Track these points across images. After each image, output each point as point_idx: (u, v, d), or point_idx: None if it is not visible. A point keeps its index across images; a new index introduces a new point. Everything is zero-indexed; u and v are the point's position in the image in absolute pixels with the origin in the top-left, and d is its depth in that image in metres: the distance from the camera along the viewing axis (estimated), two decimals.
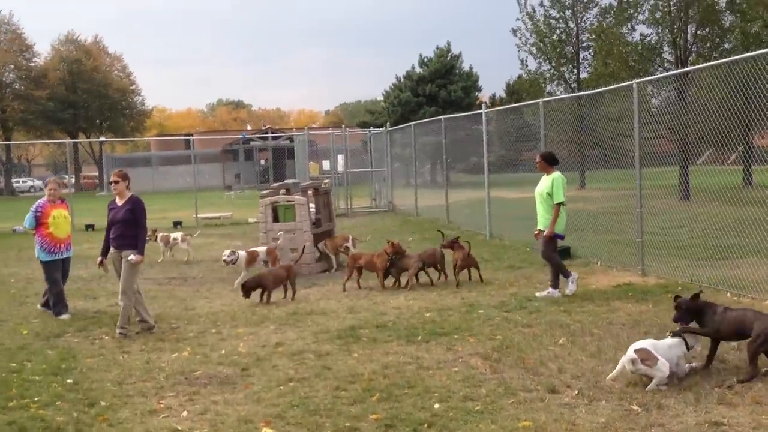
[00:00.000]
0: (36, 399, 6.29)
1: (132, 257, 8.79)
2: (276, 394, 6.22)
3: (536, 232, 10.21)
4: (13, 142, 60.42)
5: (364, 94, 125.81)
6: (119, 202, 9.06)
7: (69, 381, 6.84)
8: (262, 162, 58.67)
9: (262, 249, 12.37)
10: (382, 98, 53.02)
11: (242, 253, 11.92)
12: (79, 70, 65.95)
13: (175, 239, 15.87)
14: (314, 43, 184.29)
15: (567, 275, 9.89)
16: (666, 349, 6.02)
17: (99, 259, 9.35)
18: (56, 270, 10.18)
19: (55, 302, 10.07)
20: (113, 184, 9.10)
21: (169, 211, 28.60)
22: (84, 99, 66.25)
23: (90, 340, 8.54)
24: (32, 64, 66.27)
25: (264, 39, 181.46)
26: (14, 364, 7.49)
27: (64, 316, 9.91)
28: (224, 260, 11.84)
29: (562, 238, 10.09)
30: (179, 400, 6.20)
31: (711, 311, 6.37)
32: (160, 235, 15.85)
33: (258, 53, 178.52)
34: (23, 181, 72.48)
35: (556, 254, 10.06)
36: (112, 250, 9.06)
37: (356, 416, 5.58)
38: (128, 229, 8.90)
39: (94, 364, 7.49)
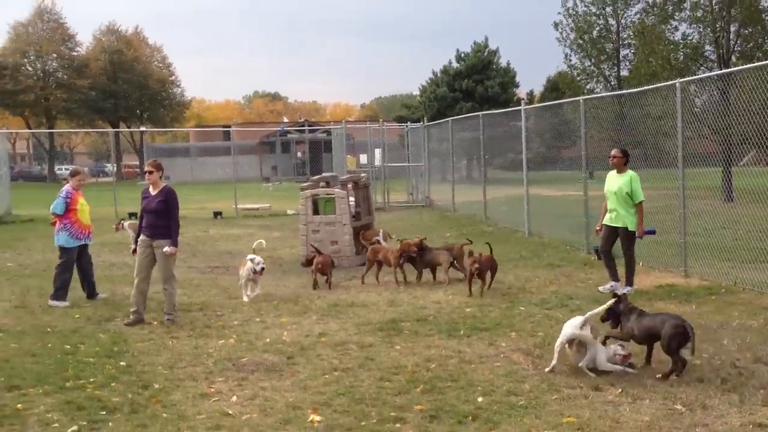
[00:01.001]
0: (91, 380, 6.52)
1: (167, 249, 8.97)
2: (322, 383, 6.37)
3: (598, 227, 10.46)
4: (56, 131, 61.59)
5: (399, 89, 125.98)
6: (153, 191, 9.21)
7: (122, 363, 7.07)
8: (299, 154, 59.07)
9: None
10: (418, 93, 53.05)
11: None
12: (119, 60, 66.96)
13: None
14: (350, 35, 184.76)
15: (615, 278, 10.06)
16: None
17: (132, 247, 9.58)
18: (74, 257, 10.41)
19: (60, 287, 10.21)
20: (148, 174, 9.28)
21: (208, 201, 28.97)
22: (125, 89, 67.23)
23: (139, 326, 8.77)
24: (74, 54, 67.45)
25: (301, 31, 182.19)
26: (68, 347, 7.74)
27: (62, 304, 10.05)
28: (255, 269, 10.20)
29: (653, 233, 10.33)
30: (228, 385, 6.38)
31: (627, 317, 6.72)
32: (127, 223, 16.20)
33: (294, 45, 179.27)
34: (66, 169, 73.80)
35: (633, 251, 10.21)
36: (142, 237, 9.20)
37: (401, 406, 5.70)
38: (160, 219, 9.05)
39: (144, 348, 7.72)
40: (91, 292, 10.58)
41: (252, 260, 10.17)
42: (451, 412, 5.54)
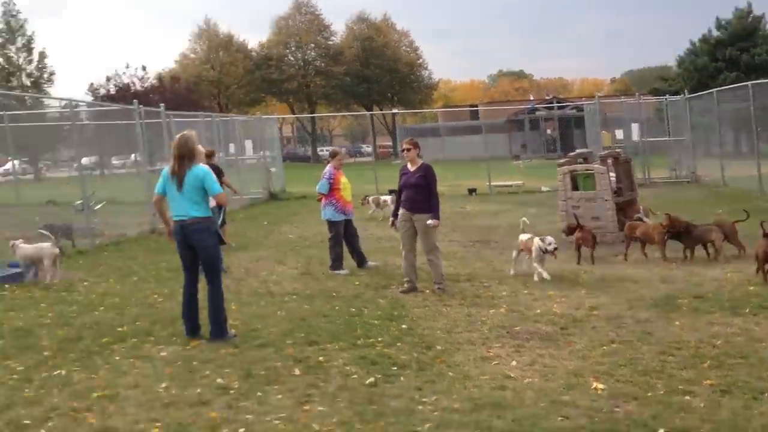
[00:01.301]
0: (379, 339, 7.06)
1: (430, 222, 9.33)
2: (600, 354, 6.37)
3: None
4: (317, 115, 66.23)
5: (651, 61, 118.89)
6: (411, 168, 9.58)
7: (403, 326, 7.56)
8: (549, 132, 58.26)
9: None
10: (674, 64, 49.97)
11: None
12: (370, 47, 70.55)
13: (384, 201, 18.15)
14: (594, 9, 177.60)
15: None
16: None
17: (391, 220, 10.05)
18: (341, 230, 11.16)
19: (335, 258, 11.05)
20: (406, 152, 9.66)
21: (460, 179, 29.57)
22: (376, 74, 70.62)
23: (413, 294, 9.28)
24: (330, 43, 72.25)
25: (545, 7, 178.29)
26: (353, 309, 8.42)
27: (342, 272, 10.84)
28: (545, 248, 9.78)
29: None
30: (506, 351, 6.59)
31: None
32: (371, 198, 18.79)
33: (537, 22, 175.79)
34: (326, 150, 78.99)
35: None
36: (402, 211, 9.61)
37: (689, 380, 5.56)
38: (420, 194, 9.41)
39: (421, 314, 8.18)
40: (360, 261, 11.34)
41: (543, 240, 9.88)
42: (744, 388, 5.32)
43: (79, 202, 19.02)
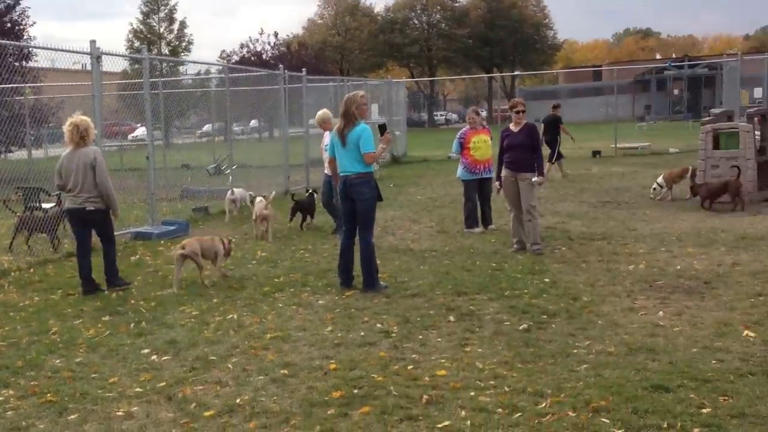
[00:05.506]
0: (525, 291, 7.38)
1: (536, 179, 9.48)
2: (748, 305, 6.48)
3: None
4: (436, 78, 66.26)
5: None
6: (515, 128, 9.70)
7: (546, 280, 7.84)
8: (676, 92, 56.04)
9: None
10: None
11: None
12: (497, 7, 69.58)
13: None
14: None
15: None
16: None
17: (497, 183, 10.05)
18: (473, 189, 11.36)
19: (467, 217, 11.33)
20: (521, 113, 9.69)
21: (583, 141, 29.09)
22: (501, 36, 69.71)
23: (550, 249, 9.53)
24: (456, 5, 71.72)
25: None
26: (494, 264, 8.77)
27: (476, 230, 11.13)
28: None
29: None
30: (651, 302, 6.79)
31: None
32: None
33: None
34: (441, 114, 79.04)
35: None
36: (506, 172, 9.71)
37: None
38: (525, 153, 9.53)
39: (561, 269, 8.43)
40: (483, 221, 11.47)
41: None
42: None
43: (212, 166, 20.22)
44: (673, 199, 13.55)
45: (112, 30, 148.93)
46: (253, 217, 11.53)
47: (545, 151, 14.11)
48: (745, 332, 5.71)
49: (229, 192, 13.74)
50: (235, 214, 13.66)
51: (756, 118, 13.43)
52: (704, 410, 4.34)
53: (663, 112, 52.68)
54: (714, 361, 5.13)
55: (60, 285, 8.66)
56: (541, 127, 18.09)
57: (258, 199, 11.88)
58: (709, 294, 6.98)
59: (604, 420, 4.28)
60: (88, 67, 11.39)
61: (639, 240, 9.94)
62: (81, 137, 8.18)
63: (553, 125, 18.32)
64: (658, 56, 77.44)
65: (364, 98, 7.82)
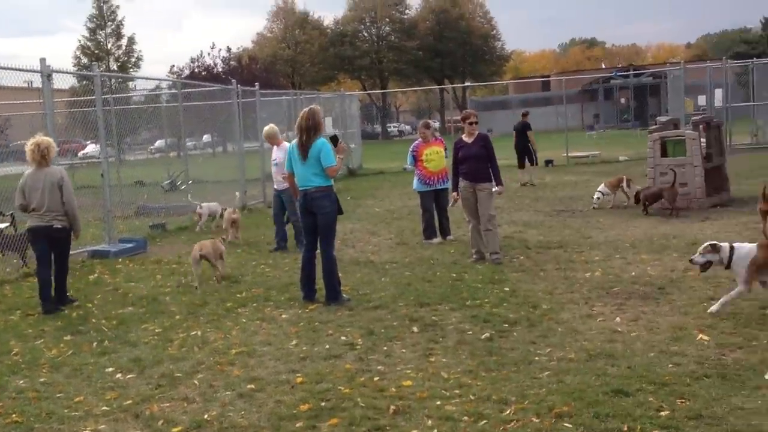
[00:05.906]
0: (486, 300, 7.51)
1: (496, 189, 9.72)
2: (701, 310, 6.69)
3: None
4: (389, 90, 66.68)
5: (729, 24, 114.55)
6: (468, 140, 9.86)
7: (506, 289, 7.98)
8: (623, 101, 57.26)
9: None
10: (757, 26, 48.50)
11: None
12: (445, 19, 70.36)
13: None
14: None
15: None
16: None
17: (453, 194, 10.13)
18: (429, 200, 11.49)
19: (425, 228, 11.47)
20: (474, 124, 9.88)
21: (538, 150, 29.51)
22: (449, 47, 70.52)
23: (508, 258, 9.69)
24: (404, 17, 72.37)
25: None
26: (454, 275, 8.89)
27: (435, 241, 11.27)
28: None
29: None
30: (609, 309, 6.98)
31: None
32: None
33: None
34: (395, 126, 79.44)
35: None
36: (464, 183, 9.83)
37: None
38: (481, 164, 9.71)
39: (520, 278, 8.58)
40: (441, 232, 11.58)
41: None
42: None
43: (167, 182, 20.04)
44: (614, 206, 13.93)
45: (56, 46, 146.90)
46: (224, 225, 12.55)
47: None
48: (699, 336, 5.91)
49: (198, 207, 14.16)
50: (204, 228, 13.89)
51: (701, 126, 13.83)
52: (663, 413, 4.50)
53: (611, 121, 53.76)
54: (671, 365, 5.31)
55: (18, 305, 8.55)
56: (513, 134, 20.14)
57: (228, 209, 12.88)
58: (664, 299, 7.19)
59: (567, 425, 4.40)
60: (35, 85, 11.22)
61: (594, 247, 10.17)
62: (42, 156, 8.24)
63: (523, 132, 19.25)
64: (603, 65, 79.08)
65: (320, 112, 7.92)
